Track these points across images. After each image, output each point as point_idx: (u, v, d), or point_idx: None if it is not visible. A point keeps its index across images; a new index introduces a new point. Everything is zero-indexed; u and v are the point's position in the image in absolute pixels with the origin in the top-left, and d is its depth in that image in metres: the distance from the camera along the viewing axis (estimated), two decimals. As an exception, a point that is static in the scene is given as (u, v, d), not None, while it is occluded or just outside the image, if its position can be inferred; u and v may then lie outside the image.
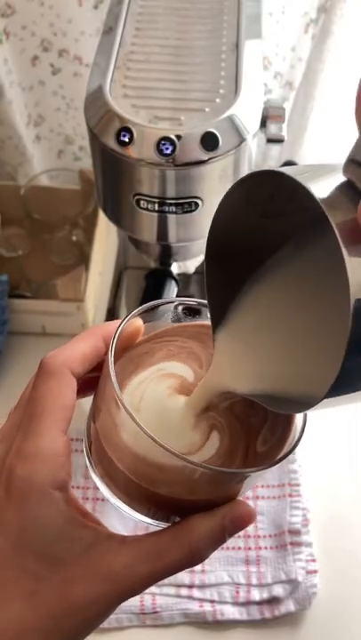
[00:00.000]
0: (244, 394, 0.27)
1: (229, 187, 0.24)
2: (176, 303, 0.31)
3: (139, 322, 0.30)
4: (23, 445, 0.25)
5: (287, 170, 0.21)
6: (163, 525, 0.29)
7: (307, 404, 0.22)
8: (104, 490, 0.30)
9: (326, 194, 0.20)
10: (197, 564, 0.25)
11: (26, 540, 0.24)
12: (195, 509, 0.26)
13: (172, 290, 0.54)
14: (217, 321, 0.28)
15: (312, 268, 0.25)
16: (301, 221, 0.24)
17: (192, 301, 0.31)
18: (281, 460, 0.26)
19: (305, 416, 0.27)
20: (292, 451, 0.26)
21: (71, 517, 0.25)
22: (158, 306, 0.30)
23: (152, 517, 0.29)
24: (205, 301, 0.29)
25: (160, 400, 0.28)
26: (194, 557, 0.25)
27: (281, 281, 0.27)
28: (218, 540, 0.25)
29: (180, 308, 0.31)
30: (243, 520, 0.26)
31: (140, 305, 0.30)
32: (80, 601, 0.24)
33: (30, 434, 0.25)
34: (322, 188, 0.20)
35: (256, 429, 0.28)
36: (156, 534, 0.26)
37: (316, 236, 0.24)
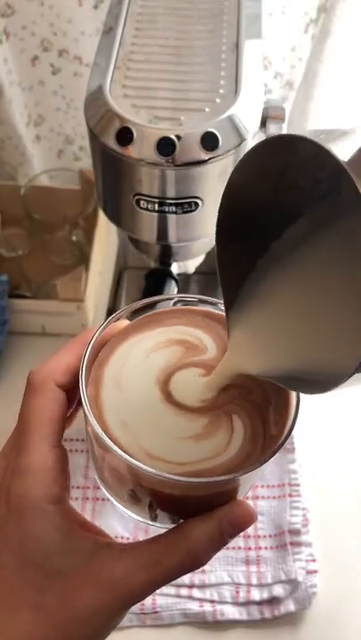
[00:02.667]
0: (265, 376, 0.26)
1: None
2: (171, 301, 0.31)
3: (125, 323, 0.30)
4: (16, 462, 0.26)
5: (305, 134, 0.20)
6: (162, 526, 0.29)
7: (333, 382, 0.21)
8: (104, 488, 0.30)
9: (347, 157, 0.19)
10: (198, 567, 0.25)
11: (27, 553, 0.25)
12: (196, 509, 0.26)
13: (171, 290, 0.54)
14: (230, 299, 0.27)
15: (333, 242, 0.23)
16: (315, 194, 0.22)
17: (171, 297, 0.31)
18: (279, 448, 0.25)
19: (297, 406, 0.27)
20: (285, 440, 0.26)
21: (68, 530, 0.25)
22: (140, 308, 0.30)
23: (151, 518, 0.29)
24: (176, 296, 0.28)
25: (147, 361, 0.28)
26: (193, 562, 0.25)
27: (299, 257, 0.24)
28: (217, 543, 0.25)
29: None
30: (243, 521, 0.25)
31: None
32: (83, 610, 0.24)
33: (22, 451, 0.26)
34: (339, 152, 0.19)
35: (266, 412, 0.28)
36: (154, 540, 0.26)
37: (334, 207, 0.22)
